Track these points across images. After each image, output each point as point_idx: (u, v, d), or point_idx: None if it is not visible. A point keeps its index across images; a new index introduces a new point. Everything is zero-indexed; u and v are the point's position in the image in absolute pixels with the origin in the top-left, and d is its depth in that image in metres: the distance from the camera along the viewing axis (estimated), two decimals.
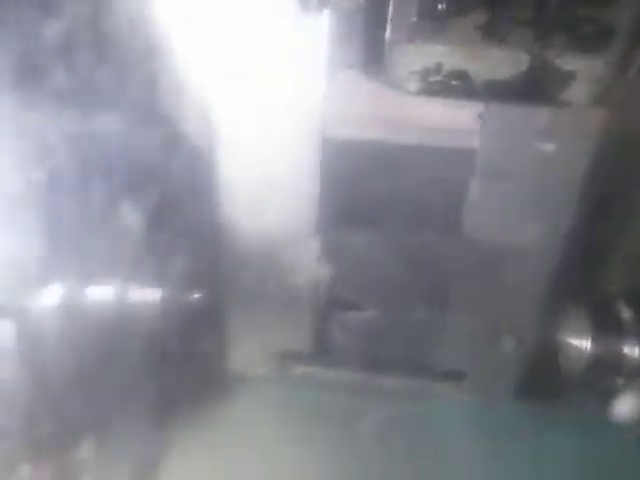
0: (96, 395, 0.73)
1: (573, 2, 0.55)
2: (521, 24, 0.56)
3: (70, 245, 0.71)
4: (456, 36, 0.57)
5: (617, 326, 0.76)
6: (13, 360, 0.71)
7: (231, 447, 0.78)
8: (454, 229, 0.75)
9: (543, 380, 0.81)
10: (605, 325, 0.77)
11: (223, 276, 0.79)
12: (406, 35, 0.58)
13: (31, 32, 0.61)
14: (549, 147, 0.67)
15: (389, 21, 0.57)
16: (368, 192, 0.74)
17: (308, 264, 0.78)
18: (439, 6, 0.56)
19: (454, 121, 0.69)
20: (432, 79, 0.60)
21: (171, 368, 0.75)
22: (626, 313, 0.76)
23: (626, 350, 0.75)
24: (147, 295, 0.78)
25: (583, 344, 0.77)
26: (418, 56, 0.58)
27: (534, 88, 0.59)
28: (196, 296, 0.80)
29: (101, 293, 0.77)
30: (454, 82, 0.59)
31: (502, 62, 0.58)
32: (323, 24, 0.62)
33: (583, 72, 0.58)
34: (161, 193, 0.71)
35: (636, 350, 0.74)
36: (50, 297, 0.74)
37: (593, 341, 0.76)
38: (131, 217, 0.71)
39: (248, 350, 0.84)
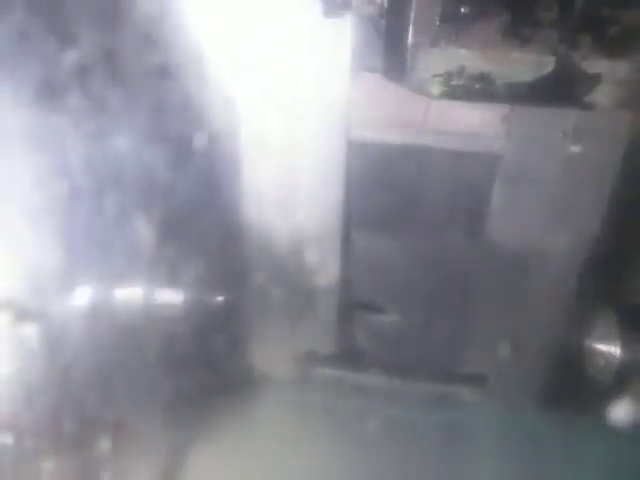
0: (119, 394, 0.74)
1: (598, 3, 0.54)
2: (545, 26, 0.55)
3: (94, 249, 0.73)
4: (479, 39, 0.57)
5: None
6: (39, 360, 0.73)
7: (252, 448, 0.79)
8: (479, 232, 0.74)
9: (570, 387, 0.80)
10: (634, 331, 0.75)
11: (246, 278, 0.79)
12: (429, 39, 0.57)
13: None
14: (575, 150, 0.66)
15: (411, 25, 0.57)
16: (392, 195, 0.75)
17: (332, 267, 0.78)
18: (462, 9, 0.56)
19: (479, 124, 0.69)
20: (455, 82, 0.59)
21: (193, 369, 0.76)
22: None
23: None
24: (170, 297, 0.79)
25: (612, 350, 0.75)
26: (441, 60, 0.58)
27: (559, 91, 0.58)
28: (219, 298, 0.82)
29: (124, 296, 0.78)
30: (477, 85, 0.59)
31: (526, 65, 0.57)
32: (346, 28, 0.63)
33: (609, 74, 0.57)
34: (186, 196, 0.73)
35: None
36: (75, 300, 0.76)
37: (622, 347, 0.75)
38: (156, 220, 0.73)
39: (271, 352, 0.85)
